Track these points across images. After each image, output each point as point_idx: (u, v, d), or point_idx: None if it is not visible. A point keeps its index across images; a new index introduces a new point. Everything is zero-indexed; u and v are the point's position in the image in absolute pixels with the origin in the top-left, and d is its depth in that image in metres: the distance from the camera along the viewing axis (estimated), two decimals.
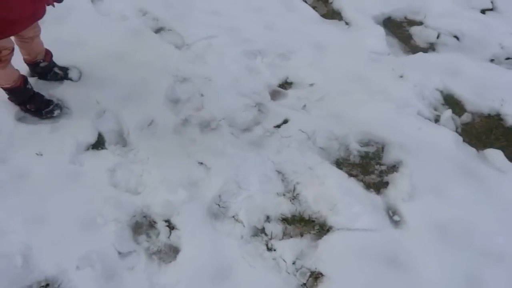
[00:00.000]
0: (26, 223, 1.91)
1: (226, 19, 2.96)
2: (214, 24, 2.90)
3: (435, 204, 2.07)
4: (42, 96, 2.27)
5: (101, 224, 1.94)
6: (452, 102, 2.61)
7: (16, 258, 1.81)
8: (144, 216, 2.01)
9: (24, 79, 2.18)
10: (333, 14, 3.16)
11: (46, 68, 2.35)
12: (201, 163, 2.18)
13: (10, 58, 2.00)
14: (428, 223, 2.01)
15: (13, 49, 1.98)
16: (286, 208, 2.06)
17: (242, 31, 2.88)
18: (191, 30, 2.83)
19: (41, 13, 1.83)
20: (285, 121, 2.40)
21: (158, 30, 2.85)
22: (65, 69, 2.42)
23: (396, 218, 2.06)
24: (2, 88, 2.14)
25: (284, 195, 2.11)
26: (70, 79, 2.42)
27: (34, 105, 2.23)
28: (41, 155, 2.13)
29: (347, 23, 3.08)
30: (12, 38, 1.97)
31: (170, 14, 2.93)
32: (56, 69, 2.39)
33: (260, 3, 3.10)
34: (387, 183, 2.19)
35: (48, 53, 2.34)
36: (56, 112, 2.25)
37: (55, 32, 2.55)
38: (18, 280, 1.77)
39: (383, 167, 2.25)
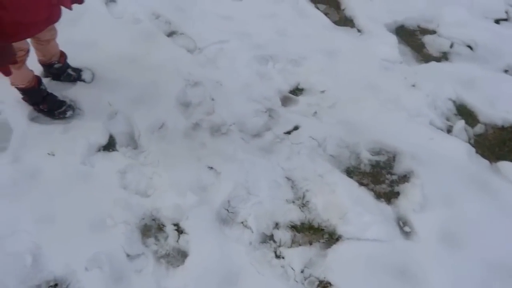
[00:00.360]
0: (37, 222, 1.92)
1: (238, 24, 2.96)
2: (226, 29, 2.91)
3: (446, 216, 2.05)
4: (55, 96, 2.28)
5: (110, 226, 1.94)
6: (465, 113, 2.59)
7: (26, 257, 1.82)
8: (153, 219, 2.01)
9: (38, 79, 2.20)
10: (345, 21, 3.15)
11: (60, 69, 2.37)
12: (211, 168, 2.18)
13: (25, 59, 2.02)
14: (439, 235, 1.99)
15: (28, 51, 2.00)
16: (295, 215, 2.06)
17: (254, 37, 2.88)
18: (203, 34, 2.84)
19: (56, 17, 1.85)
20: (296, 128, 2.39)
21: (170, 34, 2.86)
22: (78, 71, 2.43)
23: (406, 229, 2.04)
24: (16, 88, 2.16)
25: (293, 202, 2.10)
26: (83, 81, 2.44)
27: (47, 106, 2.24)
28: (53, 155, 2.14)
29: (359, 31, 3.07)
30: (28, 40, 1.98)
31: (182, 18, 2.94)
32: (69, 71, 2.41)
33: (273, 9, 3.11)
34: (398, 193, 2.17)
35: (62, 55, 2.36)
36: (69, 113, 2.27)
37: (69, 34, 2.57)
38: (27, 279, 1.78)
39: (394, 177, 2.24)
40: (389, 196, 2.16)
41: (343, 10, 3.22)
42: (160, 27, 2.88)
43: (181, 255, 1.92)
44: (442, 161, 2.27)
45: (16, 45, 1.83)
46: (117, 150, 2.22)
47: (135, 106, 2.39)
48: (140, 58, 2.63)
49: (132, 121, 2.33)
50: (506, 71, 2.85)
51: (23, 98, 2.23)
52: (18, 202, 1.97)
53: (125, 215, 1.98)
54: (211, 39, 2.81)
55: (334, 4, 3.27)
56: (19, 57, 1.94)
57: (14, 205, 1.96)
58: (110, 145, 2.24)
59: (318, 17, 3.11)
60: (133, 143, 2.27)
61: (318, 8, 3.20)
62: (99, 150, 2.21)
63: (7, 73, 1.82)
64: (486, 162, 2.33)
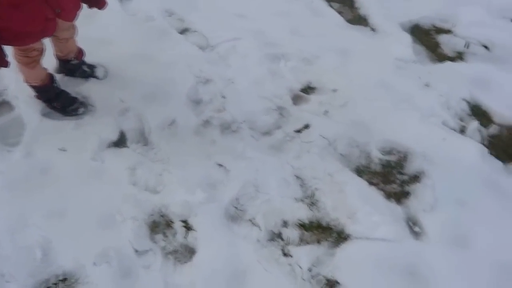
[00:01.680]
0: (47, 217, 1.94)
1: (251, 22, 2.95)
2: (239, 26, 2.90)
3: (458, 217, 2.01)
4: (68, 94, 2.31)
5: (119, 222, 1.95)
6: (479, 113, 2.54)
7: (36, 251, 1.84)
8: (162, 215, 2.02)
9: (51, 77, 2.23)
10: (359, 20, 3.12)
11: (76, 65, 2.41)
12: (221, 165, 2.18)
13: (40, 59, 2.05)
14: (450, 236, 1.95)
15: (42, 51, 2.02)
16: (304, 213, 2.04)
17: (266, 35, 2.87)
18: (215, 32, 2.84)
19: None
20: (306, 126, 2.38)
21: (183, 31, 2.87)
22: (92, 67, 2.46)
23: (416, 229, 2.01)
24: (30, 86, 2.20)
25: (302, 200, 2.09)
26: (96, 77, 2.46)
27: (59, 103, 2.27)
28: (64, 150, 2.16)
29: (373, 29, 3.03)
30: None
31: (195, 16, 2.95)
32: (84, 67, 2.43)
33: (286, 7, 3.09)
34: (408, 194, 2.14)
35: (80, 52, 2.38)
36: (81, 110, 2.29)
37: (83, 30, 2.57)
38: (37, 273, 1.79)
39: (405, 177, 2.20)
40: (399, 196, 2.13)
41: (357, 8, 3.19)
42: (173, 24, 2.89)
43: (189, 252, 1.93)
44: (454, 161, 2.22)
45: (32, 45, 1.86)
46: (127, 147, 2.24)
47: (147, 103, 2.40)
48: (153, 55, 2.64)
49: (143, 117, 2.35)
50: None
51: (36, 96, 2.26)
52: (29, 197, 1.99)
53: (134, 211, 1.99)
54: (224, 37, 2.81)
55: (348, 2, 3.24)
56: (33, 57, 1.97)
57: (25, 200, 1.98)
58: (120, 142, 2.25)
59: (331, 16, 3.09)
60: (144, 139, 2.28)
61: (331, 7, 3.17)
62: (109, 146, 2.22)
63: None
64: (499, 163, 2.28)
